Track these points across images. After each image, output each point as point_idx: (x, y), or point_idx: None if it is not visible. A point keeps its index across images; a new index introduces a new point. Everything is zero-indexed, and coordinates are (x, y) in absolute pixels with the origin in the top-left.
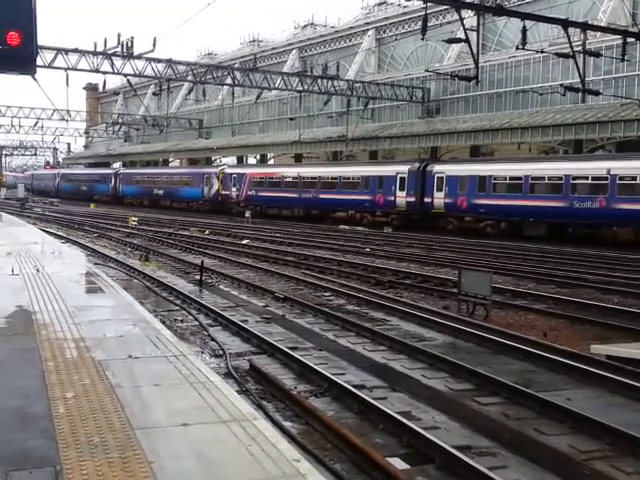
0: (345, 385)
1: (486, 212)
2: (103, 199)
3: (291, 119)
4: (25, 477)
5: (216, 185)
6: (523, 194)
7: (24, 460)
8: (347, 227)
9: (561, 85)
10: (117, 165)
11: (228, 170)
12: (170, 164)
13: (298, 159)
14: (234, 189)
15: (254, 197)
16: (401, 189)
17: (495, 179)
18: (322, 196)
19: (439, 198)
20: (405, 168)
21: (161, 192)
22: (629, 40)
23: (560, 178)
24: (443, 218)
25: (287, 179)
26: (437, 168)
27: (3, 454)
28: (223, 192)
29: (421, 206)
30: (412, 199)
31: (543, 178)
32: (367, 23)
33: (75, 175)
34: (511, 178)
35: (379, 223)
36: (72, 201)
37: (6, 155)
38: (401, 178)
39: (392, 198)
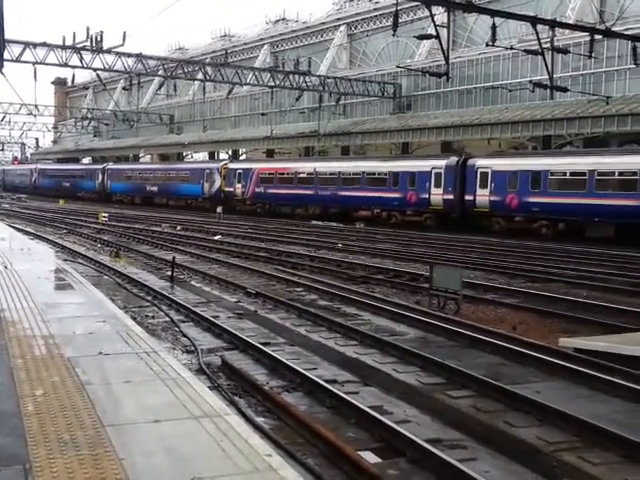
0: (317, 380)
1: (541, 211)
2: (88, 196)
3: (263, 114)
4: None
5: (218, 181)
6: (587, 191)
7: None
8: (320, 223)
9: (530, 82)
10: (87, 160)
11: (232, 165)
12: (141, 159)
13: (270, 155)
14: (239, 185)
15: (262, 194)
16: (437, 186)
17: (552, 174)
18: (342, 193)
19: (483, 196)
20: (442, 162)
21: (155, 189)
22: (596, 37)
23: (635, 173)
24: (487, 218)
25: (301, 175)
26: (480, 162)
27: None
28: (226, 189)
29: (461, 205)
30: (450, 197)
31: (612, 173)
32: (339, 19)
33: (55, 170)
34: (572, 173)
35: (409, 223)
36: (41, 197)
37: None
38: (437, 174)
39: (426, 196)
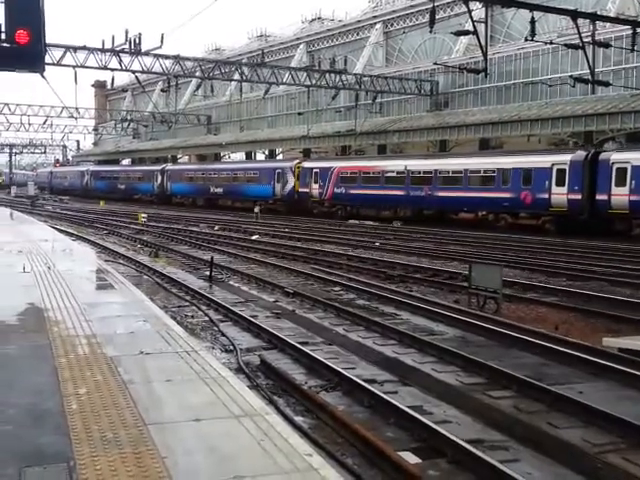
0: (356, 379)
1: None
2: (146, 199)
3: (299, 114)
4: (39, 473)
5: (291, 181)
6: None
7: (38, 456)
8: (356, 222)
9: (570, 76)
10: (126, 162)
11: (308, 164)
12: (179, 160)
13: (306, 154)
14: (316, 186)
15: (343, 195)
16: (559, 184)
17: None
18: (440, 194)
19: (620, 195)
20: (566, 157)
21: (220, 190)
22: (639, 30)
23: None
24: (625, 220)
25: (389, 174)
26: (617, 157)
27: (17, 450)
28: (301, 190)
29: (590, 205)
30: (577, 196)
31: None
32: (375, 16)
33: (110, 172)
34: None
35: (523, 227)
36: (83, 199)
37: (16, 153)
38: (559, 170)
39: (545, 195)
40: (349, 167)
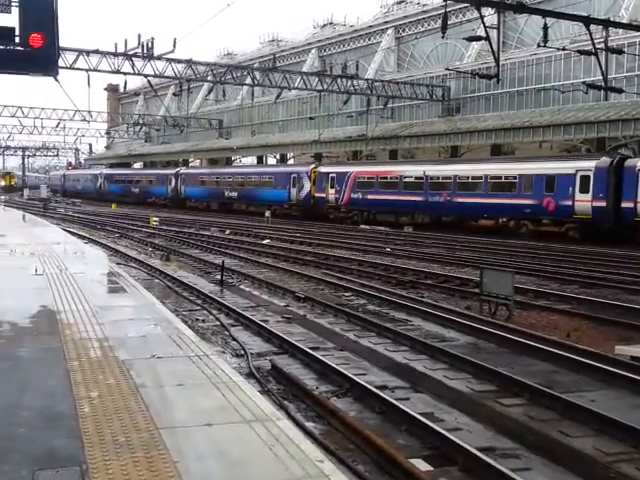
0: (367, 385)
1: None
2: (160, 203)
3: (311, 119)
4: (51, 476)
5: (307, 186)
6: None
7: (50, 459)
8: (367, 227)
9: (583, 83)
10: (138, 165)
11: (324, 169)
12: (190, 164)
13: (317, 159)
14: (332, 191)
15: (360, 200)
16: (583, 191)
17: None
18: (459, 200)
19: None
20: (590, 164)
21: (234, 194)
22: None
23: None
24: None
25: (407, 179)
26: None
27: (30, 453)
28: (317, 194)
29: (615, 213)
30: (601, 204)
31: None
32: (386, 22)
33: (123, 175)
34: None
35: (545, 234)
36: (95, 202)
37: (29, 156)
38: (583, 177)
39: (568, 202)
40: (366, 172)
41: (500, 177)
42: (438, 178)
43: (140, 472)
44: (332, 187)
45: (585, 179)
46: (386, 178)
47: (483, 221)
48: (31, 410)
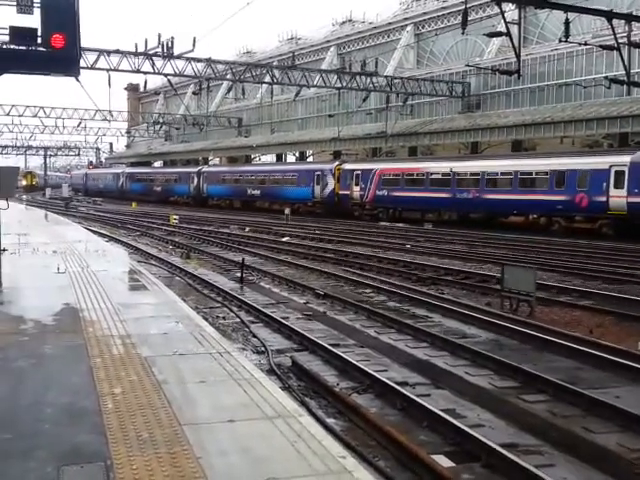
0: (388, 382)
1: None
2: (182, 201)
3: (330, 116)
4: (76, 472)
5: (331, 184)
6: None
7: (75, 455)
8: (387, 224)
9: (605, 78)
10: (158, 164)
11: (348, 166)
12: (210, 162)
13: (336, 156)
14: (357, 188)
15: (385, 197)
16: (618, 186)
17: None
18: (488, 196)
19: None
20: (625, 159)
21: (257, 192)
22: None
23: None
24: None
25: (434, 176)
26: None
27: (55, 449)
28: (341, 192)
29: None
30: (637, 199)
31: None
32: (405, 18)
33: (145, 174)
34: None
35: (577, 231)
36: (115, 200)
37: (50, 155)
38: (618, 172)
39: (602, 198)
40: (392, 169)
41: (531, 173)
42: (466, 174)
43: (164, 468)
44: (357, 184)
45: (620, 174)
46: (412, 175)
47: (513, 218)
48: (55, 407)
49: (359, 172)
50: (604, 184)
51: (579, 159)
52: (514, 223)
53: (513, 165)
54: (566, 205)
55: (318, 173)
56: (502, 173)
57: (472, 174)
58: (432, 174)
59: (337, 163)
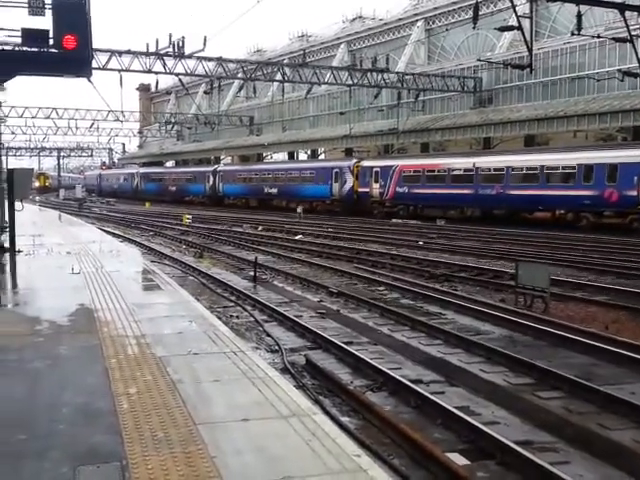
0: (402, 379)
1: None
2: (198, 201)
3: (341, 113)
4: (92, 472)
5: (350, 181)
6: None
7: (91, 455)
8: (399, 221)
9: (619, 70)
10: (170, 163)
11: (367, 163)
12: (222, 161)
13: (348, 153)
14: (376, 185)
15: (405, 195)
16: None
17: None
18: (513, 192)
19: None
20: None
21: (274, 191)
22: None
23: None
24: None
25: (456, 172)
26: None
27: (71, 449)
28: (360, 189)
29: None
30: None
31: None
32: (416, 14)
33: (160, 174)
34: None
35: (606, 226)
36: (129, 201)
37: (64, 156)
38: None
39: (633, 193)
40: (412, 165)
41: (557, 167)
42: (489, 170)
43: (179, 467)
44: (376, 181)
45: None
46: (433, 171)
47: (538, 214)
48: (71, 407)
49: (378, 169)
50: (635, 178)
51: (607, 152)
52: (538, 219)
53: (539, 160)
54: (594, 200)
55: (336, 170)
56: (527, 168)
57: (496, 169)
58: (454, 170)
59: (356, 160)
